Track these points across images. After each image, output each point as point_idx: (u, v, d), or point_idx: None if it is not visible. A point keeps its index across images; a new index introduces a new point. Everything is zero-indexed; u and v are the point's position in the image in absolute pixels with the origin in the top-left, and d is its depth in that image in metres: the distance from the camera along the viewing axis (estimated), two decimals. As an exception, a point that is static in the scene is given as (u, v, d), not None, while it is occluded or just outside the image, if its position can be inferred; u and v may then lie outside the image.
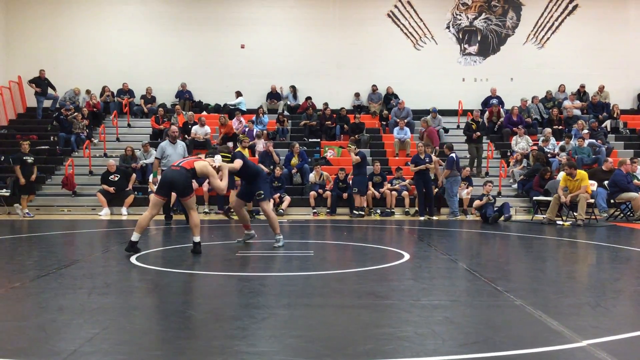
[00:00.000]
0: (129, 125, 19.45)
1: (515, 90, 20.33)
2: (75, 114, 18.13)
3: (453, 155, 14.11)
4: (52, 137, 18.31)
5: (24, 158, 14.53)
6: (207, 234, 10.88)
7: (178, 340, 4.04)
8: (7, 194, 15.19)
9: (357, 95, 20.71)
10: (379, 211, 15.02)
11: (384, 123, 19.54)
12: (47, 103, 19.63)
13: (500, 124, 18.86)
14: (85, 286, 5.82)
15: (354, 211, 14.41)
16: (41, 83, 19.26)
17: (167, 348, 3.85)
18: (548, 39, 21.01)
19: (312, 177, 15.53)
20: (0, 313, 4.84)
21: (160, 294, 5.67)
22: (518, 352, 3.71)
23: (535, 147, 16.76)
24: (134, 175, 15.54)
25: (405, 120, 18.44)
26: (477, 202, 13.40)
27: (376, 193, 15.16)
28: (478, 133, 16.62)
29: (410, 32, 21.02)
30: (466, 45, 21.11)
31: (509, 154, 17.44)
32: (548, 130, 17.78)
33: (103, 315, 4.65)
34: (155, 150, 16.57)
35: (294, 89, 20.49)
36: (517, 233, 11.26)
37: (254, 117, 18.67)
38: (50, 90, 19.52)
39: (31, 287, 5.75)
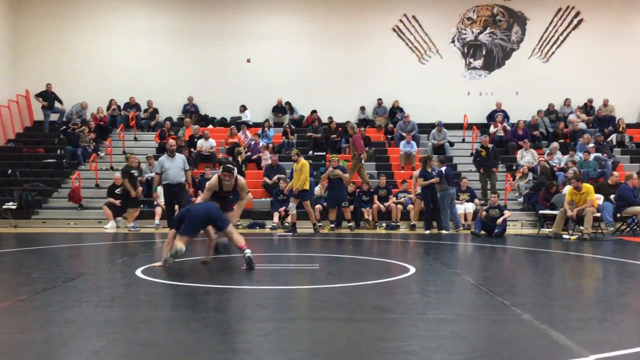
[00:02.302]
0: (135, 139, 19.54)
1: (521, 104, 20.37)
2: (82, 127, 18.23)
3: (442, 169, 14.12)
4: (59, 151, 18.41)
5: (132, 172, 14.56)
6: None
7: (184, 353, 4.03)
8: (14, 207, 15.25)
9: (362, 108, 20.77)
10: (384, 224, 15.00)
11: (390, 137, 19.56)
12: (54, 116, 19.75)
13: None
14: (91, 299, 5.83)
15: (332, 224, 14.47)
16: (48, 97, 19.39)
17: (173, 361, 3.85)
18: (553, 53, 21.06)
19: (317, 190, 15.54)
20: (6, 326, 4.84)
21: (166, 307, 5.67)
22: (525, 367, 3.70)
23: (543, 160, 16.72)
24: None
25: (411, 134, 18.47)
26: (482, 213, 13.35)
27: (382, 206, 15.15)
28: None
29: (415, 47, 21.11)
30: (471, 60, 21.17)
31: (514, 167, 17.42)
32: (555, 144, 17.76)
33: (109, 328, 4.65)
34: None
35: (289, 104, 20.57)
36: (523, 247, 11.21)
37: (259, 131, 18.73)
38: (57, 104, 19.64)
39: (37, 299, 5.76)
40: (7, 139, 19.45)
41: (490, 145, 16.32)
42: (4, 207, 15.25)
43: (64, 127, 18.75)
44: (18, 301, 5.68)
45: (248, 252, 7.54)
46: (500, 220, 12.91)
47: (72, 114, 19.58)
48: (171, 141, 12.61)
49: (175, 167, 12.00)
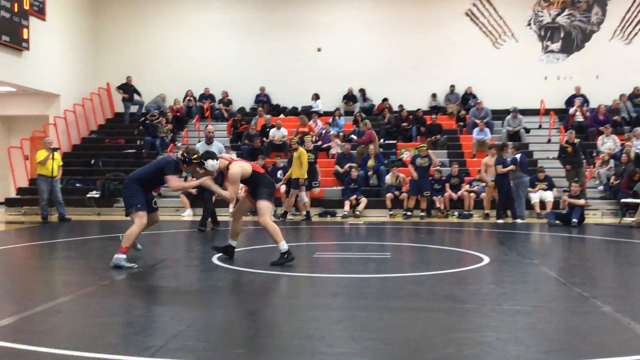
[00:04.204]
0: (209, 129, 19.97)
1: (601, 88, 19.47)
2: (160, 118, 18.83)
3: (517, 156, 13.75)
4: (138, 141, 19.07)
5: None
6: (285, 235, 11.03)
7: (258, 339, 4.13)
8: (97, 195, 15.97)
9: (434, 96, 20.45)
10: (456, 213, 14.77)
11: (462, 124, 19.20)
12: (133, 108, 20.47)
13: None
14: (170, 285, 6.05)
15: (407, 212, 14.46)
16: (128, 89, 20.09)
17: (248, 346, 3.94)
18: (636, 34, 20.00)
19: (388, 178, 15.47)
20: (91, 309, 5.10)
21: (241, 294, 5.81)
22: (606, 361, 3.58)
23: (630, 145, 15.90)
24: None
25: (485, 121, 18.06)
26: (564, 200, 12.98)
27: (453, 195, 14.93)
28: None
29: (489, 31, 20.56)
30: (548, 43, 20.42)
31: (594, 154, 16.73)
32: (638, 129, 16.90)
33: (187, 313, 4.81)
34: (235, 152, 16.98)
35: (363, 92, 20.48)
36: (604, 237, 10.79)
37: (330, 119, 18.78)
38: (136, 96, 20.33)
39: (120, 285, 6.02)
40: (90, 131, 20.33)
41: (576, 141, 15.25)
42: (88, 195, 15.98)
43: (143, 118, 19.41)
44: (102, 286, 5.96)
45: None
46: (562, 200, 12.60)
47: (152, 105, 20.21)
48: (210, 127, 12.09)
49: None
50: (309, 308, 5.05)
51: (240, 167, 7.08)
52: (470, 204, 14.77)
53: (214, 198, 11.52)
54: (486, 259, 7.54)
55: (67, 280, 6.56)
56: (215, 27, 21.17)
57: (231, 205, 6.69)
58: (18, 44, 16.46)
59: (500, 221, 13.46)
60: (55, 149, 13.78)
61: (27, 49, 16.88)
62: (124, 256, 6.82)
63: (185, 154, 7.07)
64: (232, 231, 7.58)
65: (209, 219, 11.62)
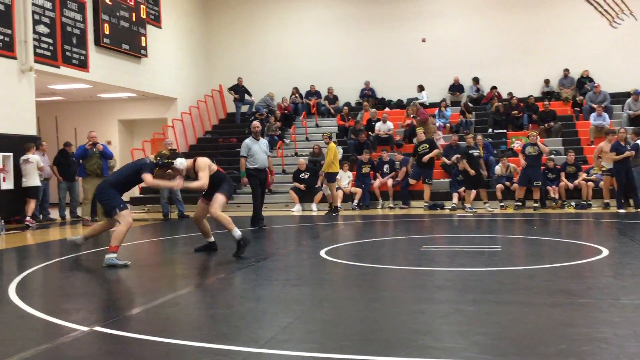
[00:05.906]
0: (316, 125, 20.31)
1: None
2: (268, 116, 19.36)
3: (638, 142, 12.87)
4: (249, 140, 19.72)
5: (470, 152, 14.93)
6: (392, 229, 11.02)
7: (365, 332, 4.18)
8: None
9: (546, 81, 19.57)
10: (573, 203, 14.08)
11: (578, 109, 18.25)
12: (244, 108, 21.18)
13: None
14: (280, 278, 6.24)
15: (518, 203, 13.99)
16: (239, 90, 20.81)
17: (354, 339, 4.00)
18: None
19: (498, 169, 15.02)
20: (207, 302, 5.37)
21: (348, 287, 5.89)
22: None
23: None
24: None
25: (603, 105, 17.08)
26: None
27: (569, 184, 14.24)
28: None
29: (605, 10, 19.34)
30: (673, 18, 18.90)
31: None
32: None
33: (296, 306, 4.95)
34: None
35: (476, 80, 19.92)
36: None
37: (436, 111, 18.49)
38: (246, 96, 21.02)
39: (233, 278, 6.30)
40: (205, 131, 21.29)
41: None
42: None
43: (252, 117, 20.03)
44: (217, 279, 6.26)
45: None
46: None
47: (263, 104, 20.81)
48: (255, 122, 11.81)
49: (261, 151, 11.20)
50: (415, 302, 5.03)
51: (208, 160, 7.61)
52: (588, 194, 14.05)
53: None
54: (605, 251, 7.16)
55: (185, 273, 6.94)
56: (319, 23, 21.45)
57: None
58: (137, 51, 17.53)
59: (622, 211, 12.70)
60: (173, 150, 14.56)
61: (146, 55, 17.94)
62: (115, 255, 7.01)
63: (158, 157, 7.48)
64: (203, 233, 8.02)
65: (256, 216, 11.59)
